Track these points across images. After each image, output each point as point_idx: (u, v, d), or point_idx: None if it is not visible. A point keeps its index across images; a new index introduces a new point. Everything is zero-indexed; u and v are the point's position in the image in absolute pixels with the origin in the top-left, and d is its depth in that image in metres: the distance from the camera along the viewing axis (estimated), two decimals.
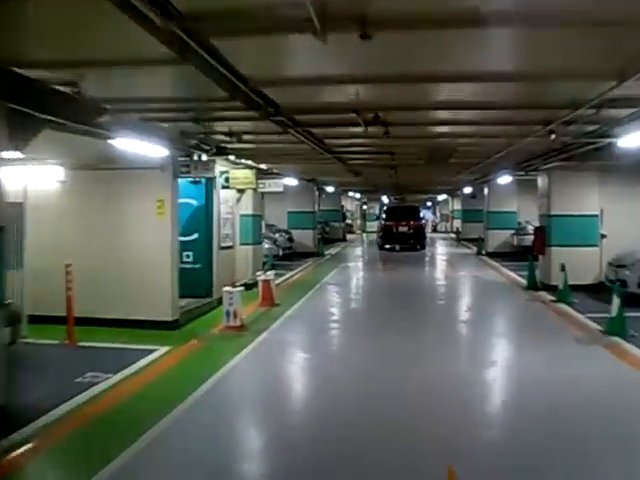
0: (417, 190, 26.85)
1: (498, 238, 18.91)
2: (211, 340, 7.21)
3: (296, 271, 14.78)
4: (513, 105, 5.72)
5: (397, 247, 22.37)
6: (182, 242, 9.38)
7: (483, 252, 19.20)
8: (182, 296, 8.38)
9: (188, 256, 9.51)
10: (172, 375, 5.71)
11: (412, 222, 22.82)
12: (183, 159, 8.16)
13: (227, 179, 9.98)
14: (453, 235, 31.81)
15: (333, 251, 21.72)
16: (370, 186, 22.39)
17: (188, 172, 7.96)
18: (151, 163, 7.37)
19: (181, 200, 9.36)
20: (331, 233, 25.78)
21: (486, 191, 19.59)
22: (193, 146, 7.72)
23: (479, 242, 19.82)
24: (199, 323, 8.21)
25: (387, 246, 22.82)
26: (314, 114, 5.99)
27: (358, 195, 31.78)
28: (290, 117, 5.98)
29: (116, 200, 7.63)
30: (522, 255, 15.78)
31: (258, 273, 10.02)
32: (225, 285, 8.16)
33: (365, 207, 41.66)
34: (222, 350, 6.68)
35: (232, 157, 9.25)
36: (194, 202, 9.59)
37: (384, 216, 23.95)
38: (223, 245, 10.17)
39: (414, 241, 22.42)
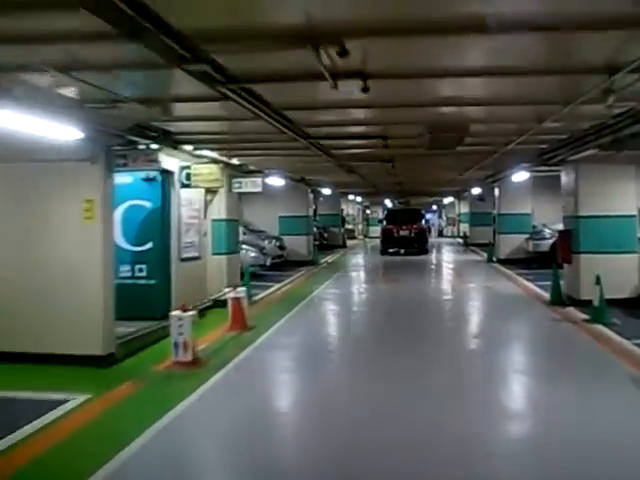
0: (422, 192, 25.50)
1: (511, 243, 17.35)
2: (151, 382, 5.70)
3: (284, 283, 13.32)
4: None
5: (402, 251, 22.20)
6: (133, 253, 8.01)
7: (494, 259, 17.74)
8: (132, 318, 7.14)
9: (141, 270, 8.11)
10: (78, 441, 4.21)
11: (414, 226, 22.88)
12: (125, 148, 6.69)
13: (188, 176, 8.51)
14: (460, 240, 30.48)
15: (330, 259, 20.26)
16: (370, 187, 20.92)
17: (125, 165, 6.47)
18: (77, 154, 5.94)
19: (132, 202, 8.03)
20: (330, 239, 25.03)
21: (497, 192, 18.04)
22: (132, 131, 6.22)
23: (489, 248, 18.48)
24: (144, 356, 6.71)
25: (390, 250, 22.54)
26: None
27: (359, 199, 31.00)
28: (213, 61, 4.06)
29: (29, 201, 6.18)
30: (538, 262, 15.04)
31: (226, 289, 8.52)
32: (191, 303, 6.69)
33: (368, 211, 40.94)
34: (160, 398, 5.18)
35: (189, 147, 7.77)
36: (147, 204, 8.16)
37: (385, 220, 24.18)
38: (186, 256, 8.72)
39: (416, 245, 22.39)
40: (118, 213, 7.66)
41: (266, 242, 15.84)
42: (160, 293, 8.07)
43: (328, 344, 7.76)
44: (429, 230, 42.50)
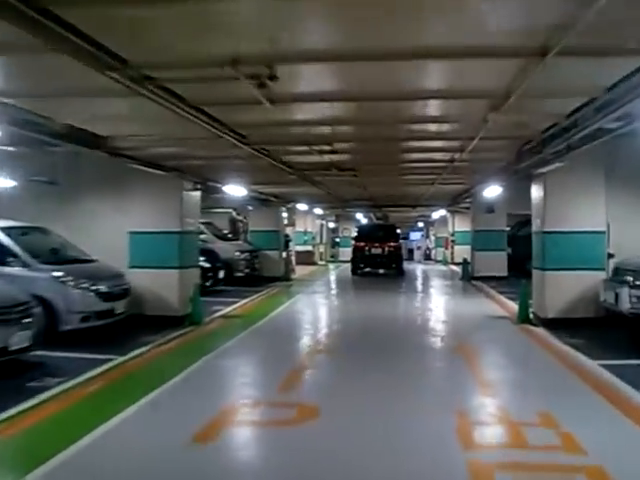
0: (401, 205, 26.01)
1: (566, 287, 10.62)
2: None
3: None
4: None
5: (380, 270, 24.06)
6: None
7: (530, 315, 11.20)
8: None
9: None
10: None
11: (387, 243, 24.40)
12: None
13: None
14: (454, 268, 27.09)
15: (230, 309, 13.41)
16: (337, 201, 22.09)
17: None
18: None
19: None
20: (265, 268, 20.49)
21: (537, 192, 11.43)
22: None
23: (522, 292, 11.37)
24: None
25: (360, 271, 24.28)
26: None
27: (319, 211, 29.46)
28: None
29: None
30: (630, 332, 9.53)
31: None
32: None
33: (333, 226, 39.59)
34: None
35: None
36: None
37: (356, 237, 25.83)
38: None
39: (391, 265, 24.30)
40: None
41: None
42: None
43: None
44: (411, 251, 43.71)
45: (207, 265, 16.29)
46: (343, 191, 17.68)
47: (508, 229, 21.88)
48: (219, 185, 13.49)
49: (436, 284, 22.44)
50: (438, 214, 32.07)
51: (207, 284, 16.10)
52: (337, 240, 40.84)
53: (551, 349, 8.88)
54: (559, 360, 8.14)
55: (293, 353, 9.15)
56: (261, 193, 18.07)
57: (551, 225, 10.75)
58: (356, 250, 24.86)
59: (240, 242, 21.03)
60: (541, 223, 10.97)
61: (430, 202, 24.48)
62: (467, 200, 21.54)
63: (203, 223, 19.27)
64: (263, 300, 15.65)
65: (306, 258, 30.74)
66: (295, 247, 30.63)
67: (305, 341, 10.47)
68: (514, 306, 13.39)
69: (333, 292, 19.69)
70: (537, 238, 11.33)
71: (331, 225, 40.42)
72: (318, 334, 11.19)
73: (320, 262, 33.62)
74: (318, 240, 34.16)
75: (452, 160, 11.08)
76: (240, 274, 18.94)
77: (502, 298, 15.37)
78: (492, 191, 14.46)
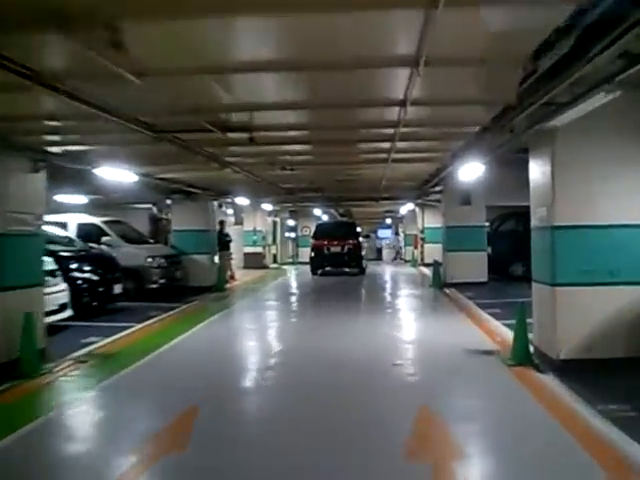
0: (361, 198, 22.42)
1: (591, 313, 6.97)
2: None
3: None
4: None
5: (347, 269, 23.70)
6: None
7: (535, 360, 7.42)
8: None
9: None
10: None
11: (347, 241, 24.07)
12: None
13: None
14: (425, 270, 23.91)
15: (106, 342, 9.43)
16: (282, 193, 18.19)
17: None
18: None
19: None
20: (191, 276, 16.91)
21: (540, 166, 7.51)
22: None
23: (520, 314, 7.47)
24: None
25: (320, 270, 23.99)
26: None
27: (269, 207, 25.68)
28: None
29: None
30: None
31: None
32: None
33: (293, 224, 35.82)
34: None
35: None
36: None
37: (315, 235, 25.16)
38: None
39: (349, 263, 24.06)
40: None
41: None
42: None
43: None
44: (380, 250, 40.89)
45: (95, 278, 12.32)
46: (269, 176, 13.59)
47: (487, 225, 18.22)
48: (88, 167, 9.51)
49: (402, 294, 17.69)
50: (406, 209, 28.92)
51: (94, 303, 12.19)
52: (291, 238, 36.58)
53: (587, 435, 5.01)
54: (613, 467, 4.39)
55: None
56: (168, 180, 14.17)
57: (566, 216, 6.95)
58: (314, 249, 24.33)
59: (160, 245, 17.03)
60: (548, 214, 7.18)
61: (394, 194, 20.95)
62: (438, 190, 17.97)
63: (108, 222, 15.43)
64: (167, 323, 11.66)
65: (256, 261, 26.88)
66: (244, 249, 27.13)
67: (178, 420, 5.88)
68: (501, 329, 9.87)
69: (269, 308, 14.90)
70: (540, 236, 7.57)
71: (291, 223, 36.67)
72: (212, 395, 6.75)
73: (273, 265, 29.63)
74: (270, 240, 30.00)
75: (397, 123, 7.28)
76: (153, 285, 15.07)
77: (483, 315, 11.69)
78: (470, 172, 10.58)
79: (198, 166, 10.46)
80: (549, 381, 6.62)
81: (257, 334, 11.30)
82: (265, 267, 27.38)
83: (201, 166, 10.41)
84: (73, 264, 12.04)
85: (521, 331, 7.47)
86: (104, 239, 14.70)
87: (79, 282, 11.97)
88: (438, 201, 20.21)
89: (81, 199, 15.84)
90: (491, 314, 11.52)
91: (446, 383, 7.05)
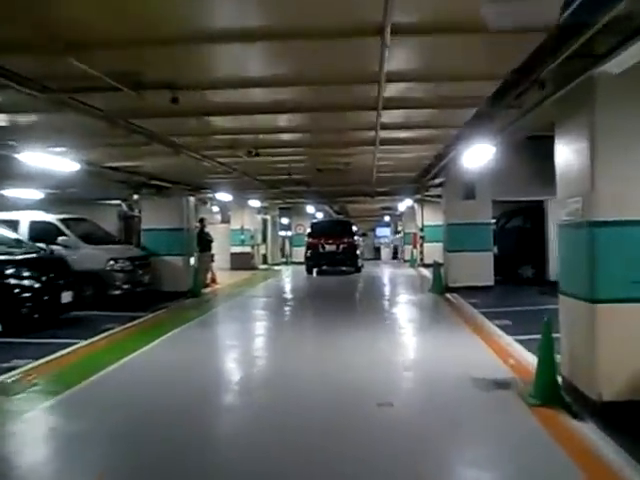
0: (357, 193, 20.61)
1: None
2: None
3: None
4: None
5: (343, 268, 23.73)
6: None
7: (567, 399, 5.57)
8: None
9: None
10: None
11: (342, 239, 24.13)
12: None
13: None
14: (425, 272, 22.43)
15: (35, 365, 7.69)
16: (267, 187, 16.36)
17: None
18: None
19: None
20: (164, 280, 15.14)
21: (574, 140, 5.61)
22: None
23: (546, 334, 5.66)
24: None
25: (316, 269, 24.17)
26: None
27: (257, 203, 23.73)
28: None
29: None
30: None
31: None
32: None
33: (287, 222, 34.07)
34: None
35: None
36: None
37: (310, 233, 25.28)
38: None
39: (344, 262, 24.11)
40: None
41: None
42: None
43: None
44: (378, 249, 39.36)
45: (36, 285, 10.52)
46: (239, 165, 11.72)
47: (493, 222, 16.38)
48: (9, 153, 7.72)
49: (399, 301, 15.65)
50: (405, 205, 27.06)
51: (36, 315, 10.41)
52: (284, 236, 34.79)
53: None
54: None
55: None
56: (122, 171, 12.43)
57: (610, 208, 5.10)
58: (310, 248, 24.49)
59: (126, 246, 15.19)
60: (585, 205, 5.34)
61: (390, 188, 18.96)
62: (438, 184, 16.19)
63: (67, 220, 13.70)
64: (120, 338, 9.84)
65: (243, 262, 25.01)
66: (231, 248, 25.35)
67: None
68: (514, 348, 8.12)
69: (243, 319, 12.83)
70: (572, 236, 5.72)
71: (284, 221, 34.89)
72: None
73: (262, 266, 27.52)
74: (259, 239, 28.10)
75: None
76: (116, 292, 13.27)
77: (492, 328, 9.89)
78: (477, 157, 8.70)
79: (145, 152, 8.66)
80: (590, 433, 4.82)
81: (219, 355, 9.42)
82: (254, 268, 25.47)
83: (148, 151, 8.59)
84: (9, 269, 10.26)
85: (547, 359, 5.67)
86: (60, 239, 12.94)
87: (16, 290, 10.21)
88: (438, 196, 18.53)
89: (34, 194, 14.11)
90: (501, 326, 9.81)
91: (447, 440, 5.12)
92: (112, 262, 13.21)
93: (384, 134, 8.58)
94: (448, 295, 14.49)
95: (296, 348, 9.34)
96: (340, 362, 8.05)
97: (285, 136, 9.07)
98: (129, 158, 10.76)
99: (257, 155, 8.89)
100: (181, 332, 10.57)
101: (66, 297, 11.14)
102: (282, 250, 33.37)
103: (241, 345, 10.10)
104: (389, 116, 7.44)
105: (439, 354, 8.47)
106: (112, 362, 7.92)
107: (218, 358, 9.14)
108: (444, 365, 7.61)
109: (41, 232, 13.06)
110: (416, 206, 26.55)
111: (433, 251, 22.34)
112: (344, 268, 24.10)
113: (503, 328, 9.62)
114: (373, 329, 10.70)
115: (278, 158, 11.02)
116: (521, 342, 8.27)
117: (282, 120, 7.88)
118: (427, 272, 21.33)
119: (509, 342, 8.55)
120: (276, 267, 28.57)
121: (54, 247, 12.58)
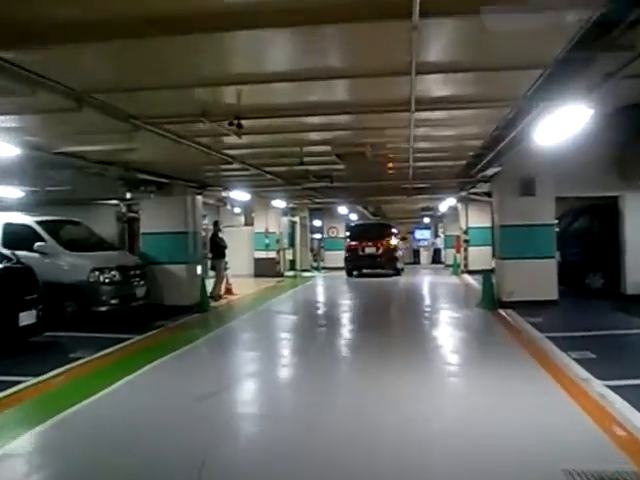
0: (393, 189, 17.79)
1: None
2: None
3: None
4: None
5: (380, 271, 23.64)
6: None
7: None
8: None
9: None
10: None
11: (382, 242, 23.98)
12: None
13: None
14: (470, 280, 19.92)
15: None
16: (286, 182, 14.00)
17: None
18: None
19: None
20: (165, 293, 13.14)
21: None
22: None
23: None
24: None
25: (355, 272, 23.94)
26: None
27: (282, 203, 21.12)
28: None
29: None
30: None
31: None
32: None
33: (317, 224, 31.77)
34: None
35: None
36: None
37: (349, 236, 25.67)
38: None
39: (383, 264, 23.79)
40: None
41: None
42: None
43: None
44: (417, 252, 37.14)
45: None
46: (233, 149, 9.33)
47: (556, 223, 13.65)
48: None
49: (440, 320, 12.70)
50: (446, 205, 24.45)
51: None
52: (316, 239, 32.57)
53: None
54: None
55: None
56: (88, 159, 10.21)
57: None
58: (349, 250, 24.53)
59: (118, 253, 12.86)
60: None
61: (430, 184, 16.32)
62: (486, 178, 13.61)
63: (47, 222, 11.74)
64: (89, 370, 7.68)
65: (268, 268, 22.68)
66: (255, 253, 23.19)
67: None
68: (615, 405, 5.58)
69: (248, 343, 10.77)
70: None
71: (317, 224, 32.56)
72: None
73: (289, 273, 24.96)
74: (286, 243, 25.65)
75: None
76: (102, 308, 11.11)
77: (571, 366, 7.23)
78: (564, 125, 5.91)
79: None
80: None
81: (208, 408, 6.82)
82: (280, 275, 23.08)
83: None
84: None
85: None
86: (37, 245, 10.89)
87: None
88: (486, 194, 16.06)
89: (12, 192, 12.14)
90: (581, 361, 7.23)
91: None
92: (96, 272, 11.05)
93: (420, 105, 6.13)
94: (502, 312, 11.78)
95: (305, 392, 6.90)
96: (357, 423, 5.53)
97: (280, 96, 6.59)
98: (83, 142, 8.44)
99: (240, 127, 6.44)
100: (163, 365, 8.22)
101: (26, 318, 8.96)
102: (315, 255, 30.90)
103: (232, 385, 7.56)
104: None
105: (503, 419, 5.59)
106: (50, 415, 5.70)
107: (205, 414, 6.22)
108: (515, 444, 4.82)
109: (15, 237, 11.05)
110: (460, 206, 24.44)
111: (479, 256, 22.22)
112: (384, 271, 23.91)
113: (586, 365, 7.04)
114: (406, 365, 7.97)
115: (281, 136, 8.53)
116: (617, 390, 5.75)
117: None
118: (472, 280, 19.35)
119: (603, 392, 5.94)
120: (305, 273, 26.16)
121: (29, 255, 10.57)
